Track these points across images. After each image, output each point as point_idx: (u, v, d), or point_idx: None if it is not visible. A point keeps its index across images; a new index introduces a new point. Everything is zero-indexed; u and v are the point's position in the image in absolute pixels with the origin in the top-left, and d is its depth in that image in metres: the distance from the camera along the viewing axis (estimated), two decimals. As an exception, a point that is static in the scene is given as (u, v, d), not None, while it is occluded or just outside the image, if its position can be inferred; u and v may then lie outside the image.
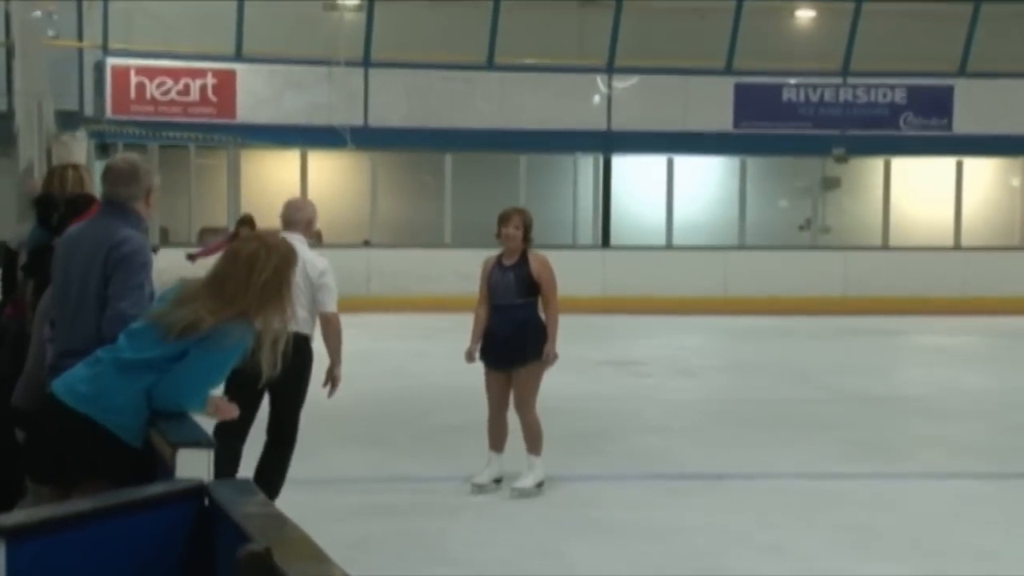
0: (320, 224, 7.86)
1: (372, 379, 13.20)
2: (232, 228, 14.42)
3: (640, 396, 12.43)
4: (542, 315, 7.88)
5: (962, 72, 23.68)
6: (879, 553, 6.58)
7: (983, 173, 25.45)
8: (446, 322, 20.47)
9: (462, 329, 8.11)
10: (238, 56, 22.21)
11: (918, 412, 11.59)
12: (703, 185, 25.27)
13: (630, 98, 23.49)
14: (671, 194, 24.18)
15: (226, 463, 5.87)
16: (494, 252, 8.01)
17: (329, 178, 23.79)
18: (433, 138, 22.73)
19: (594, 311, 20.83)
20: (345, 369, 7.01)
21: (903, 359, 16.95)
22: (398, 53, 22.59)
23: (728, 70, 23.48)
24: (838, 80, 23.63)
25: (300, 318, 6.45)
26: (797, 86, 23.69)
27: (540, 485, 7.84)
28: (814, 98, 23.69)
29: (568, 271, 21.81)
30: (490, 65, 23.02)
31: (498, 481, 7.90)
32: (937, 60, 23.69)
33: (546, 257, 7.96)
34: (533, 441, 7.88)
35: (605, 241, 23.55)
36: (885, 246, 24.11)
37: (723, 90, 23.57)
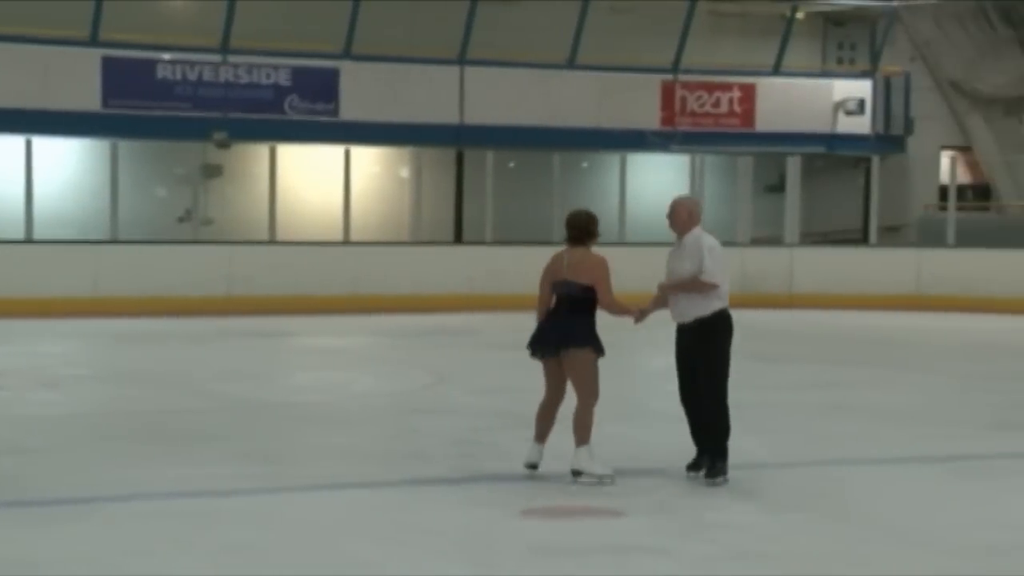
0: None
1: None
2: None
3: (-6, 414, 11.92)
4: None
5: (347, 54, 24.65)
6: (265, 573, 6.72)
7: (372, 162, 26.66)
8: None
9: None
10: None
11: (308, 419, 11.93)
12: (68, 171, 24.65)
13: (-18, 70, 22.49)
14: (30, 180, 23.39)
15: None
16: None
17: None
18: None
19: (-62, 316, 19.74)
20: None
21: (293, 362, 17.41)
22: None
23: (94, 41, 23.03)
24: (217, 58, 23.84)
25: None
26: (172, 63, 23.64)
27: (603, 479, 8.76)
28: (192, 77, 23.75)
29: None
30: None
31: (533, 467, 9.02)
32: (322, 41, 24.53)
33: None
34: (576, 430, 8.87)
35: (-46, 234, 22.36)
36: (272, 240, 24.62)
37: (89, 64, 23.10)
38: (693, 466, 9.15)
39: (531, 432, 9.01)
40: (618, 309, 8.98)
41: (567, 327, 8.87)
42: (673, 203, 9.26)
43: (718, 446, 9.00)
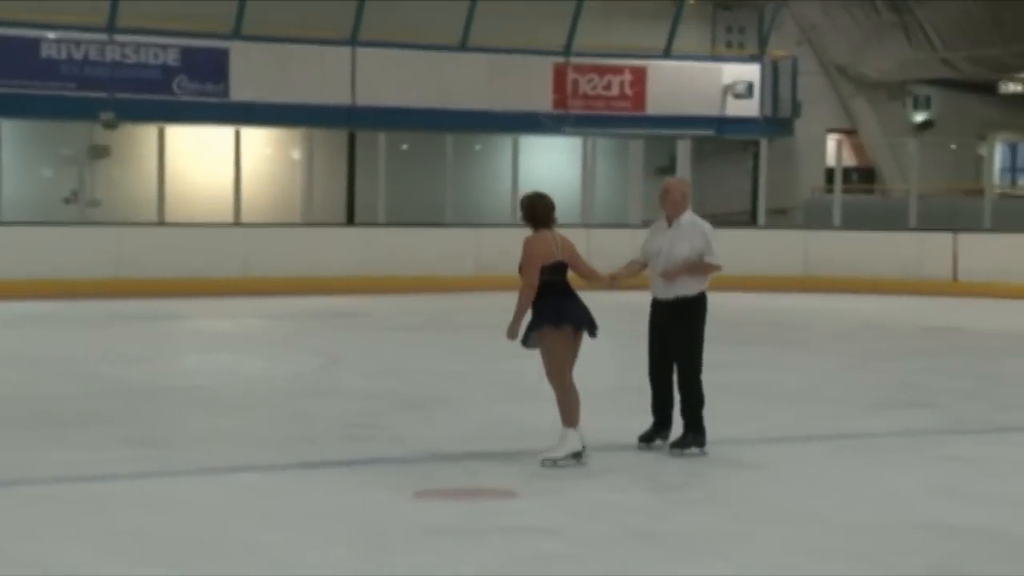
0: None
1: None
2: None
3: None
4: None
5: (237, 34, 24.39)
6: (153, 557, 6.64)
7: (263, 144, 26.42)
8: None
9: None
10: None
11: (197, 403, 11.83)
12: (-50, 151, 24.13)
13: None
14: (-89, 161, 22.87)
15: None
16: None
17: None
18: None
19: None
20: None
21: (182, 345, 17.23)
22: None
23: (-24, 19, 22.57)
24: (104, 37, 23.45)
25: None
26: (58, 41, 23.22)
27: (571, 455, 8.65)
28: (78, 56, 23.36)
29: None
30: None
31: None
32: (212, 20, 24.22)
33: (529, 238, 8.74)
34: (561, 412, 8.75)
35: None
36: (161, 222, 24.31)
37: (-29, 42, 22.63)
38: (646, 438, 9.35)
39: (422, 413, 8.98)
40: (596, 277, 9.11)
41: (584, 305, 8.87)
42: (666, 184, 9.39)
43: (694, 419, 9.21)
